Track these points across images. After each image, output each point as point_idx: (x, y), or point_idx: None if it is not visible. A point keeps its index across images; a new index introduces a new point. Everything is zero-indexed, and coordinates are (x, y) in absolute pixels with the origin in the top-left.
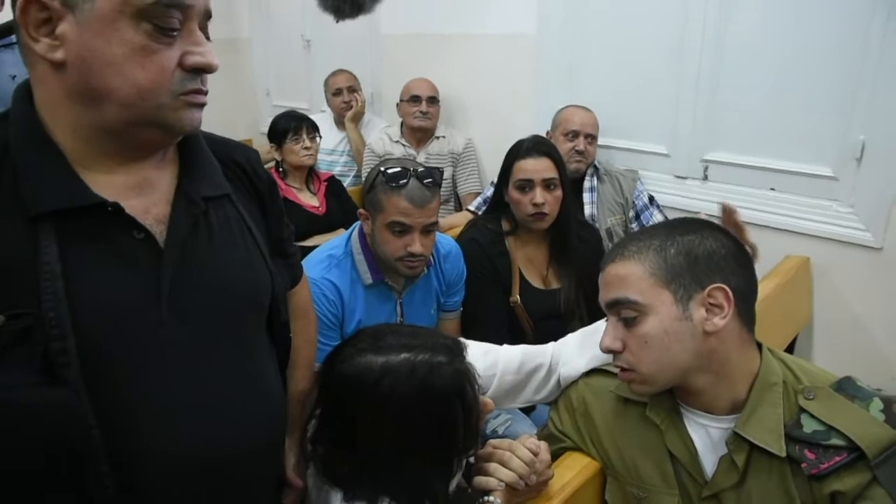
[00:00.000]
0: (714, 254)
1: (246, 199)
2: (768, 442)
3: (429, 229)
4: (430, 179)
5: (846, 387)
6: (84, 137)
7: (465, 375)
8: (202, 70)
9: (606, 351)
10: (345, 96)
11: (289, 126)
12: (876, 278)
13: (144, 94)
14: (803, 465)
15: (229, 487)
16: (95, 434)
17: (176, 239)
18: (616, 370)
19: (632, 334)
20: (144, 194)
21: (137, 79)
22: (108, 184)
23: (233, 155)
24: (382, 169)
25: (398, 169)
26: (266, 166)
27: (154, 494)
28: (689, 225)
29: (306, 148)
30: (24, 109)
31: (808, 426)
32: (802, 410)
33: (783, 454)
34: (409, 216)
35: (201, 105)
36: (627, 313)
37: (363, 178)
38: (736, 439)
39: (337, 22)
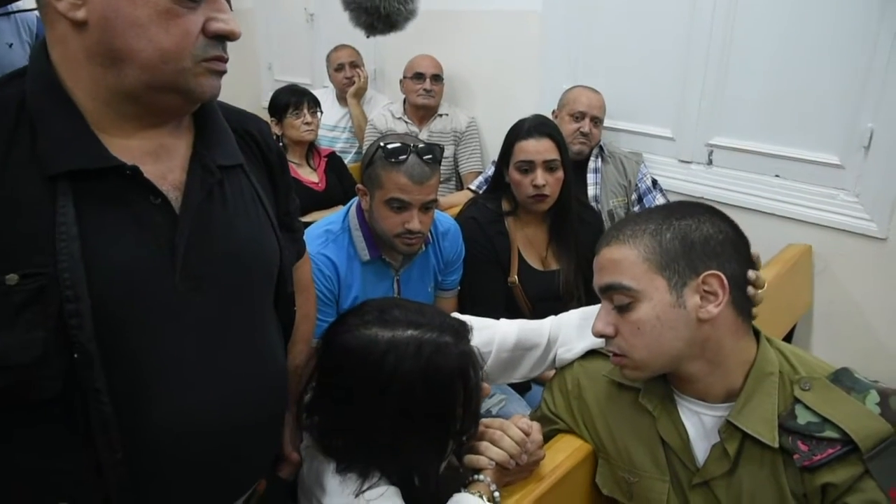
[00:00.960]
0: (710, 239)
1: (257, 170)
2: (761, 432)
3: (428, 206)
4: (430, 156)
5: (843, 378)
6: (103, 100)
7: (469, 358)
8: (225, 37)
9: (598, 335)
10: (347, 72)
11: (289, 100)
12: (879, 269)
13: (167, 58)
14: (795, 457)
15: (233, 457)
16: (105, 400)
17: (191, 206)
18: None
19: (624, 320)
20: (161, 160)
21: (161, 42)
22: (125, 148)
23: (246, 125)
24: (382, 144)
25: (398, 144)
26: None
27: (160, 461)
28: (687, 209)
29: (307, 123)
30: (42, 68)
31: (803, 417)
32: (797, 401)
33: (776, 445)
34: (409, 193)
35: (221, 72)
36: (621, 299)
37: None
38: (728, 428)
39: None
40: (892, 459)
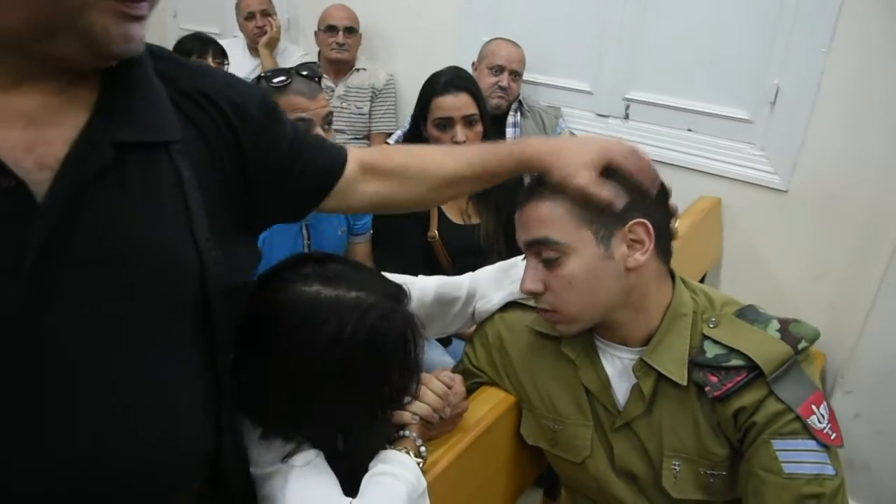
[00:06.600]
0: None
1: (215, 142)
2: (672, 370)
3: (328, 121)
4: (308, 72)
5: (747, 313)
6: None
7: (411, 325)
8: None
9: (528, 293)
10: (258, 21)
11: (193, 48)
12: (781, 220)
13: None
14: (706, 389)
15: None
16: None
17: (60, 191)
18: (531, 303)
19: (554, 275)
20: (38, 126)
21: None
22: None
23: (198, 84)
24: (263, 75)
25: (276, 71)
26: None
27: None
28: None
29: None
30: None
31: (711, 351)
32: (706, 338)
33: (684, 382)
34: (307, 109)
35: (138, 18)
36: (549, 254)
37: None
38: (642, 367)
39: None
40: (794, 380)
